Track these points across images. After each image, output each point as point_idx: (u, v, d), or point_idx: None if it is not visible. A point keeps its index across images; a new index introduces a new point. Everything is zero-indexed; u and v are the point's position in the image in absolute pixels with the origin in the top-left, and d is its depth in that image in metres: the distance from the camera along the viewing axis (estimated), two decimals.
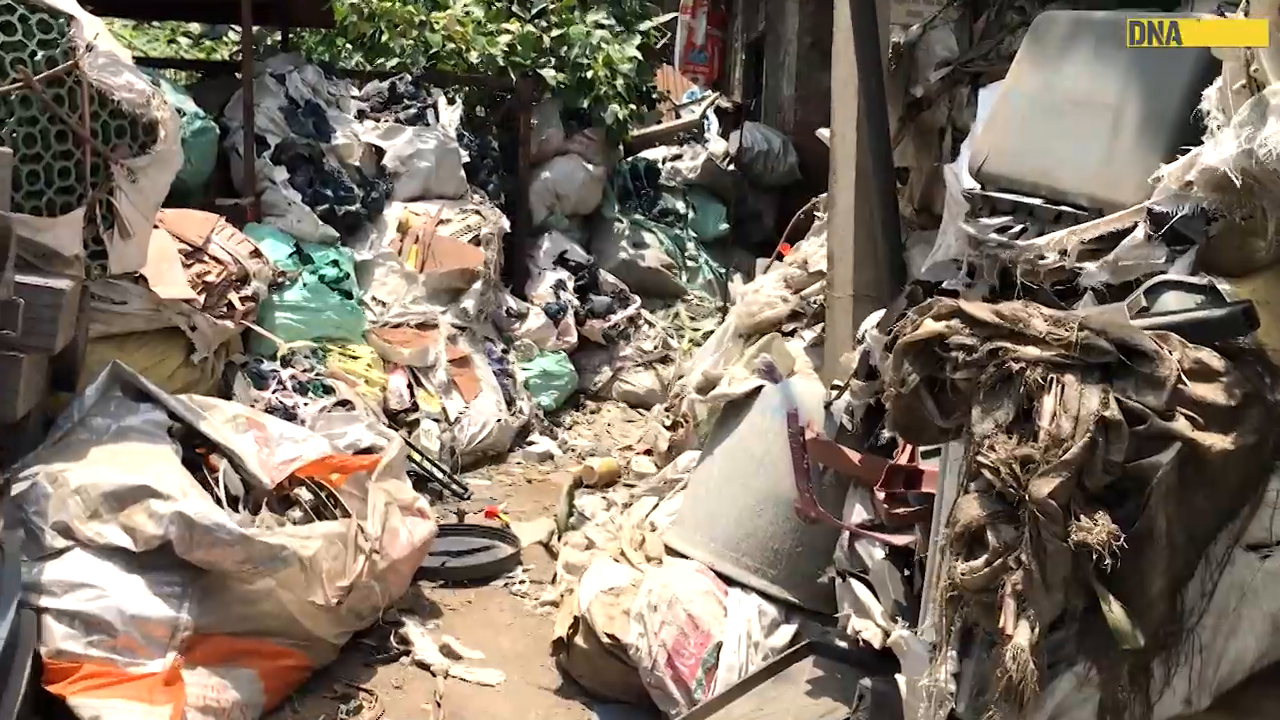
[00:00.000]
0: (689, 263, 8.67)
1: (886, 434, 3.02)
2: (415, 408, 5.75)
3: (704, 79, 12.64)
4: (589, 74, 7.96)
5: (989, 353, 2.26)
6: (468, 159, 7.01)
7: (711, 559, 3.64)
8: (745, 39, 12.14)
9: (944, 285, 3.19)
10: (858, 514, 3.37)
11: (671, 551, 3.78)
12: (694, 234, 8.95)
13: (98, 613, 3.14)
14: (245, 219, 5.75)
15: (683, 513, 3.97)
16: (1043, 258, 2.75)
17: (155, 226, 4.71)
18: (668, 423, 5.56)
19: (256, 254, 5.32)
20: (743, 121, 9.34)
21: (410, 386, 5.83)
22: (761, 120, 10.20)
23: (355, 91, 6.91)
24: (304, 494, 3.97)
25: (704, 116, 9.94)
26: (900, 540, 3.03)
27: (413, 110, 6.78)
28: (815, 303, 4.79)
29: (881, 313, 3.51)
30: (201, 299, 4.76)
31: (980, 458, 2.22)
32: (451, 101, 7.29)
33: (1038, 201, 2.86)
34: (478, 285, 6.53)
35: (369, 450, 4.63)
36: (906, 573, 3.05)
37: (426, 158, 6.67)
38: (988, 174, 3.06)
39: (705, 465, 3.95)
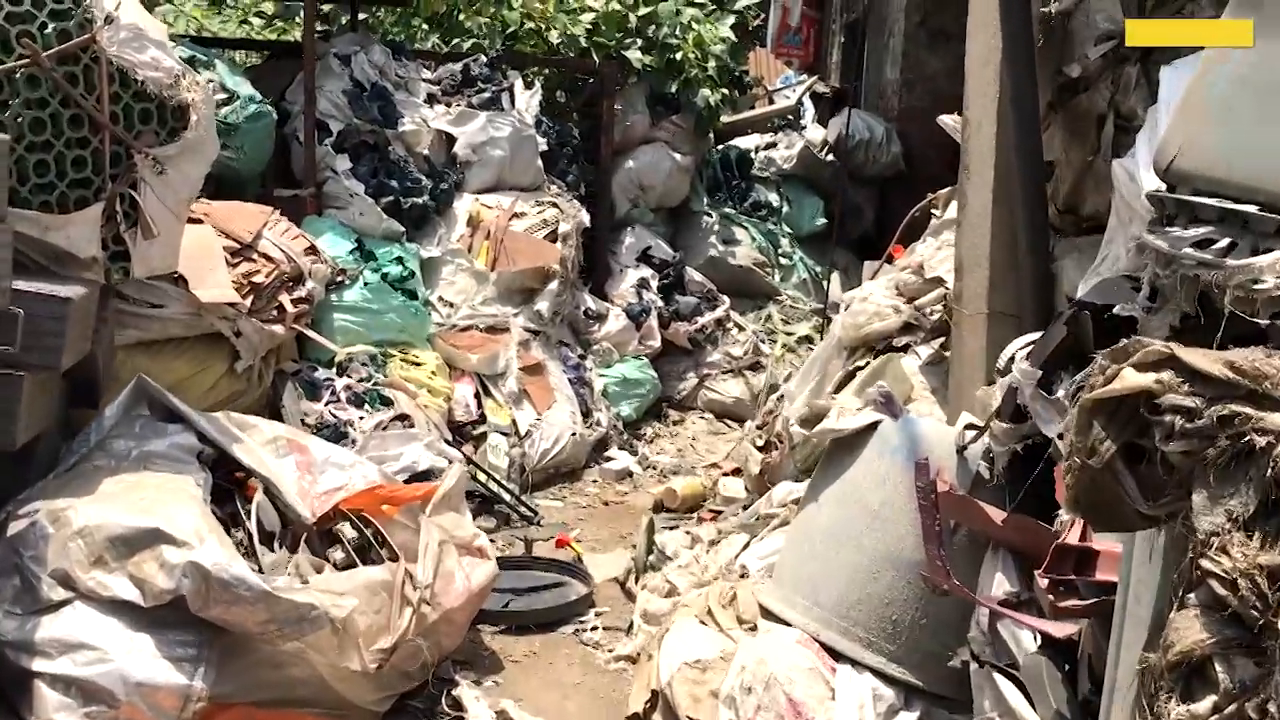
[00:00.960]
0: (783, 260, 8.06)
1: (1064, 516, 2.42)
2: (482, 420, 5.28)
3: (799, 63, 11.99)
4: (678, 55, 7.39)
5: (1220, 419, 1.69)
6: (545, 147, 6.49)
7: (817, 627, 3.07)
8: (844, 19, 11.47)
9: (1115, 310, 2.58)
10: (999, 584, 2.78)
11: (767, 614, 3.22)
12: (788, 229, 8.33)
13: (96, 679, 2.72)
14: (305, 211, 5.34)
15: (782, 568, 3.39)
16: (1259, 281, 2.14)
17: (199, 221, 4.30)
18: (760, 443, 5.00)
19: (312, 251, 4.87)
20: (848, 107, 8.64)
21: (478, 396, 5.37)
22: (861, 107, 9.52)
23: (426, 74, 6.42)
24: (347, 530, 3.51)
25: (799, 102, 9.29)
26: (1060, 630, 2.44)
27: (487, 94, 6.26)
28: (933, 314, 4.21)
29: (1031, 338, 2.91)
30: (248, 302, 4.32)
31: (1206, 562, 1.66)
32: (529, 85, 6.77)
33: (1253, 209, 2.23)
34: (554, 285, 6.00)
35: (427, 474, 4.18)
36: (1067, 668, 2.46)
37: (500, 146, 6.16)
38: (1180, 172, 2.43)
39: (809, 512, 3.36)
